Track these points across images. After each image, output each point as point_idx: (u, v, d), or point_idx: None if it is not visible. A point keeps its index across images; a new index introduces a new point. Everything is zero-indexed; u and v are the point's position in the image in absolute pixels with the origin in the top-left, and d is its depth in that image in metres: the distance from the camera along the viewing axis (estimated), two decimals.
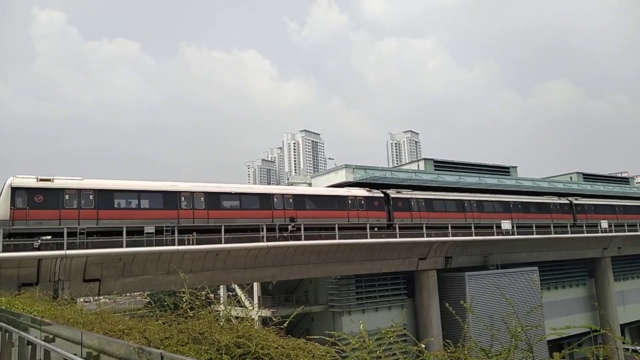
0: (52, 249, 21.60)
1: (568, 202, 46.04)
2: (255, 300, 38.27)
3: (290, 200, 29.77)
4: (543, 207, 43.92)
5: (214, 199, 27.19)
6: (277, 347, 4.22)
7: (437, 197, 36.98)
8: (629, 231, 47.12)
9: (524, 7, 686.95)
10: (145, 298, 52.55)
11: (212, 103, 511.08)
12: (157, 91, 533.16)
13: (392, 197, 34.04)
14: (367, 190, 33.68)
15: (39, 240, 21.49)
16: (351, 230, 31.25)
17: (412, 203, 34.88)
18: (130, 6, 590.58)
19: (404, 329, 5.40)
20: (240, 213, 28.43)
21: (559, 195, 47.57)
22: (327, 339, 4.91)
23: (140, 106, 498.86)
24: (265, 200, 29.37)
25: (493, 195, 41.43)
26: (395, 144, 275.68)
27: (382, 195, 33.84)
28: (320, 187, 34.53)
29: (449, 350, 4.66)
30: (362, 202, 32.30)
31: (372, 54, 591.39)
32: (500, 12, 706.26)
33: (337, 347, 4.63)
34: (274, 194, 30.19)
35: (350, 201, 31.91)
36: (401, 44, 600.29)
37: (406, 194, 35.53)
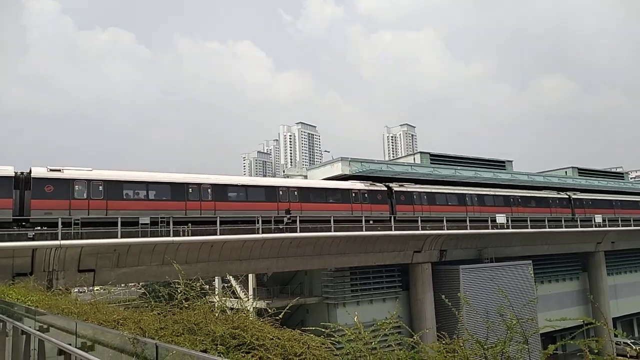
0: (47, 239, 21.52)
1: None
2: (250, 292, 38.38)
3: None
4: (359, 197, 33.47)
5: None
6: (272, 338, 4.22)
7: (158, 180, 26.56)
8: (623, 226, 47.49)
9: (520, 2, 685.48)
10: (140, 289, 52.60)
11: (206, 93, 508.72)
12: (152, 81, 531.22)
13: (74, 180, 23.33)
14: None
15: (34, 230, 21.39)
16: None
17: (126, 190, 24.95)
18: None
19: (399, 320, 5.41)
20: None
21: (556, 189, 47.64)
22: (323, 330, 4.91)
23: (135, 95, 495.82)
24: None
25: (282, 180, 34.25)
26: (392, 137, 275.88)
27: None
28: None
29: (444, 342, 4.67)
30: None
31: (368, 47, 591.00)
32: (497, 7, 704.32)
33: (332, 339, 4.64)
34: None
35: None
36: (397, 37, 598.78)
37: (112, 175, 24.67)
